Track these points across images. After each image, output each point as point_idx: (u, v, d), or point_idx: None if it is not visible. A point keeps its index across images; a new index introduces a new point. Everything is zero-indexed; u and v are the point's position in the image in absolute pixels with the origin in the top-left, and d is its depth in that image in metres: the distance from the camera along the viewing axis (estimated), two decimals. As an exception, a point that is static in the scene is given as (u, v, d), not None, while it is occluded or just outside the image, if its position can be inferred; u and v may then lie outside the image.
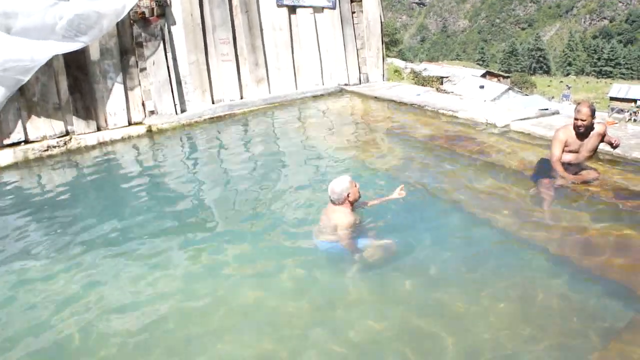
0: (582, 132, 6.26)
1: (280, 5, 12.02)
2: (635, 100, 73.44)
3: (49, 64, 8.84)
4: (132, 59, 10.09)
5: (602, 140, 6.46)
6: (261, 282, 4.97)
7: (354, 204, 5.30)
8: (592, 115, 6.18)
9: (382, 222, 5.67)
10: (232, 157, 8.91)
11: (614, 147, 6.51)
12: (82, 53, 9.32)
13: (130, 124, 10.21)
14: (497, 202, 6.19)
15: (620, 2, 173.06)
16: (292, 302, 4.67)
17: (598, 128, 6.35)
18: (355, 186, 5.27)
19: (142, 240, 5.83)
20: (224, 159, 8.86)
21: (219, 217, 6.50)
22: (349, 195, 5.18)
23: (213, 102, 11.34)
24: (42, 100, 9.11)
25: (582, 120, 6.17)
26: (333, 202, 5.25)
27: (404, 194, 5.77)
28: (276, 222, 6.17)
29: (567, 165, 6.31)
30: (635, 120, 51.97)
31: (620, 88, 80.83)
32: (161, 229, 6.12)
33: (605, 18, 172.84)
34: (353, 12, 13.10)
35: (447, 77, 59.63)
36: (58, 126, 9.35)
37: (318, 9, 12.55)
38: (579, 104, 6.43)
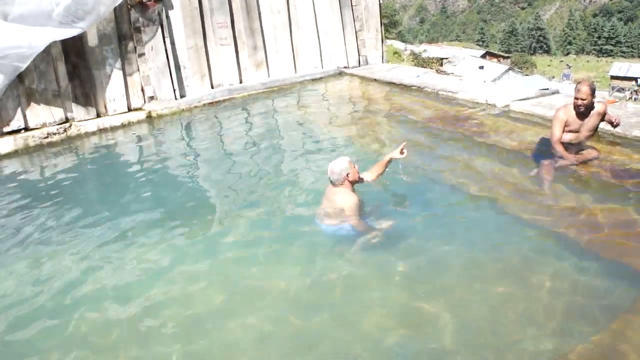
0: (583, 112, 6.23)
1: (278, -12, 11.95)
2: (636, 79, 73.07)
3: (47, 50, 8.80)
4: (131, 45, 10.05)
5: (602, 120, 6.45)
6: (264, 266, 4.99)
7: (354, 185, 5.32)
8: (592, 94, 6.15)
9: (382, 203, 5.68)
10: (232, 141, 8.91)
11: (615, 126, 6.51)
12: (80, 39, 9.27)
13: (129, 109, 10.18)
14: (497, 183, 6.20)
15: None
16: (295, 285, 4.68)
17: (598, 107, 6.33)
18: (355, 167, 5.28)
19: (143, 226, 5.85)
20: (224, 144, 8.86)
21: (219, 201, 6.51)
22: (349, 175, 5.19)
23: (212, 87, 11.31)
24: (41, 87, 9.09)
25: (582, 99, 6.14)
26: (333, 184, 5.27)
27: (405, 154, 5.66)
28: (277, 205, 6.20)
29: (567, 145, 6.31)
30: (635, 99, 51.78)
31: (620, 66, 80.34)
32: (162, 215, 6.14)
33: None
34: (351, -6, 13.02)
35: (446, 59, 59.34)
36: (58, 113, 9.33)
37: (316, -9, 12.48)
38: (579, 83, 6.40)
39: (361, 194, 5.41)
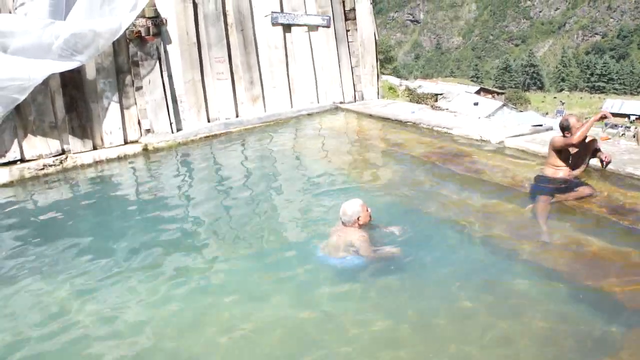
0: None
1: (275, 24, 12.09)
2: (628, 115, 73.87)
3: (46, 82, 8.87)
4: (128, 78, 10.12)
5: (594, 156, 6.53)
6: (260, 301, 4.96)
7: (363, 227, 5.42)
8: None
9: (384, 239, 5.68)
10: (228, 176, 8.92)
11: (605, 164, 6.55)
12: (79, 72, 9.35)
13: (126, 142, 10.22)
14: (492, 219, 6.21)
15: (611, 17, 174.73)
16: (291, 321, 4.66)
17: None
18: (367, 210, 5.45)
19: (137, 260, 5.81)
20: (220, 178, 8.86)
21: (215, 236, 6.49)
22: (359, 218, 5.35)
23: (209, 121, 11.36)
24: (38, 119, 9.12)
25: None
26: (344, 223, 5.39)
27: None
28: (273, 240, 6.19)
29: (561, 182, 6.35)
30: (623, 135, 52.12)
31: (613, 103, 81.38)
32: (156, 249, 6.09)
33: (597, 34, 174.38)
34: (347, 30, 13.19)
35: (441, 94, 59.84)
36: (54, 145, 9.35)
37: (313, 28, 12.65)
38: (565, 119, 6.42)
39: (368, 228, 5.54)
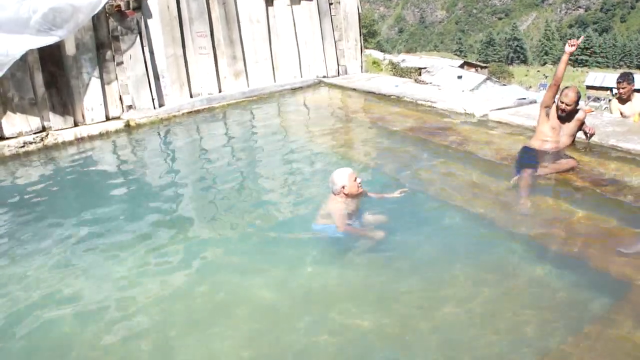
0: (564, 117, 6.34)
1: (257, -3, 11.95)
2: (610, 89, 74.20)
3: (24, 58, 8.70)
4: (109, 53, 9.97)
5: (580, 128, 6.58)
6: (244, 277, 4.96)
7: (352, 197, 5.43)
8: (577, 102, 6.30)
9: (369, 216, 5.67)
10: (211, 151, 8.87)
11: (589, 137, 6.65)
12: (58, 47, 9.18)
13: (108, 119, 10.09)
14: (476, 192, 6.23)
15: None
16: (276, 295, 4.66)
17: (579, 114, 6.49)
18: (355, 180, 5.39)
19: (120, 237, 5.78)
20: (204, 154, 8.81)
21: (199, 212, 6.47)
22: (345, 187, 5.31)
23: (191, 96, 11.25)
24: (17, 95, 8.97)
25: (567, 104, 6.26)
26: (332, 192, 5.41)
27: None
28: (256, 214, 6.17)
29: (546, 154, 6.38)
30: (606, 108, 52.57)
31: (596, 76, 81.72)
32: (140, 226, 6.07)
33: (580, 7, 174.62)
34: (330, 4, 13.06)
35: (425, 68, 59.69)
36: (34, 122, 9.21)
37: (295, 1, 12.50)
38: (565, 88, 6.47)
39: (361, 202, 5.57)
